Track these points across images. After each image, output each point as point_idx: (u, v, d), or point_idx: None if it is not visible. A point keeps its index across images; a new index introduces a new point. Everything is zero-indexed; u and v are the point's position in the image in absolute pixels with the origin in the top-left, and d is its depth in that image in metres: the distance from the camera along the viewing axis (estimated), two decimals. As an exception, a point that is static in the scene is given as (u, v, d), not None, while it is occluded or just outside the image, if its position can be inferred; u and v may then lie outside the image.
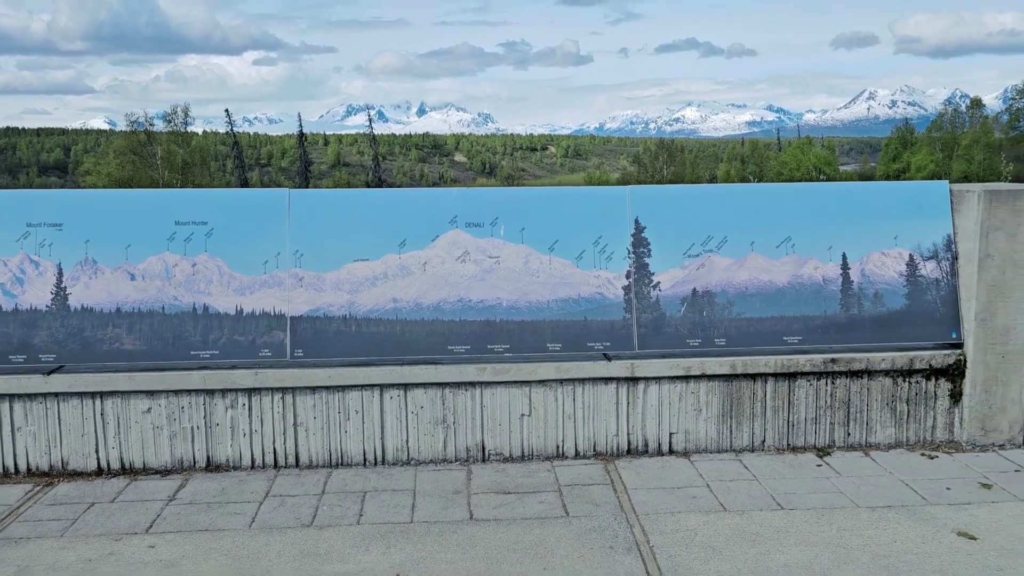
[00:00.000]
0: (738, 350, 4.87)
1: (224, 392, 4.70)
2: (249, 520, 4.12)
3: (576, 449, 4.88)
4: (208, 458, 4.74)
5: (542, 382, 4.81)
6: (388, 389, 4.77)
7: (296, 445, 4.77)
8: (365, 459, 4.80)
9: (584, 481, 4.56)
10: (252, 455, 4.75)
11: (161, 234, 4.70)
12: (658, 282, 4.86)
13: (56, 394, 4.62)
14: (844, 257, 4.95)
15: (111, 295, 4.63)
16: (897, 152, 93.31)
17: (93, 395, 4.64)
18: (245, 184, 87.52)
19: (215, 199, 4.79)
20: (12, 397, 4.61)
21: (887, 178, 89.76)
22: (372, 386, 4.75)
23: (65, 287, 4.61)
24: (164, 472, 4.72)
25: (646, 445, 4.90)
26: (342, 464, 4.80)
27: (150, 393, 4.67)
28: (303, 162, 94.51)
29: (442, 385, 4.78)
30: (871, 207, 5.02)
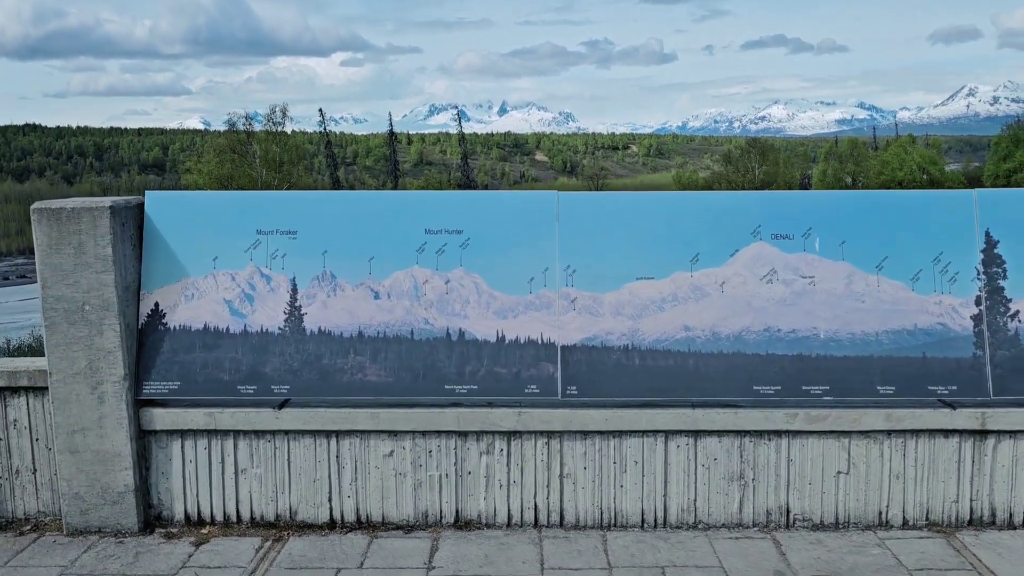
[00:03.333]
0: (1118, 399, 3.83)
1: (480, 435, 3.93)
2: (537, 602, 3.32)
3: (903, 517, 3.92)
4: (457, 512, 3.97)
5: (865, 433, 3.87)
6: (675, 436, 3.91)
7: (561, 500, 3.96)
8: (643, 520, 3.96)
9: (936, 563, 3.60)
10: (509, 510, 3.96)
11: (409, 244, 3.95)
12: (1017, 311, 3.86)
13: (287, 432, 3.93)
14: None
15: (352, 316, 3.91)
16: (1008, 151, 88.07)
17: (328, 434, 3.93)
18: (337, 183, 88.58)
19: (470, 203, 4.02)
20: (238, 434, 3.94)
21: (996, 178, 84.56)
22: (656, 432, 3.90)
23: (300, 306, 3.91)
24: (407, 527, 3.97)
25: (993, 515, 3.91)
26: (615, 525, 3.96)
27: (393, 434, 3.93)
28: (392, 161, 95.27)
29: (741, 433, 3.89)
30: None
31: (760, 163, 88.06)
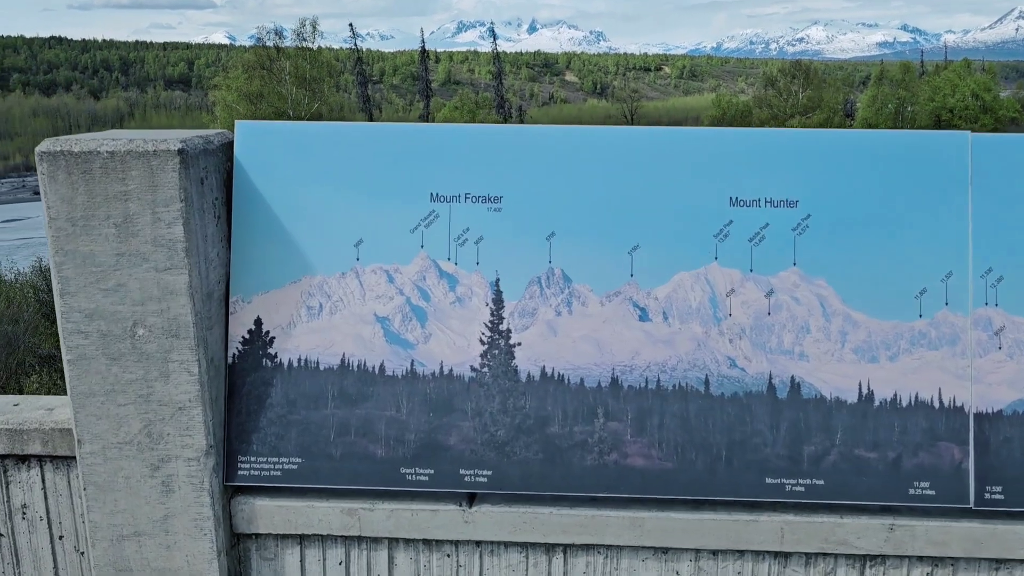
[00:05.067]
0: None
1: (813, 558, 2.28)
2: None
3: None
4: (760, 676, 2.36)
5: None
6: None
7: (943, 665, 2.33)
8: None
9: None
10: (850, 677, 2.35)
11: (701, 225, 2.23)
12: None
13: (480, 543, 2.31)
14: None
15: (601, 351, 2.22)
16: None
17: (551, 548, 2.30)
18: (367, 102, 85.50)
19: (808, 151, 2.25)
20: (397, 543, 2.32)
21: (1057, 105, 79.98)
22: (1126, 563, 2.23)
23: (508, 330, 2.23)
24: None
25: None
26: None
27: (664, 552, 2.29)
28: (424, 80, 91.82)
29: None
30: None
31: (803, 87, 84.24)
